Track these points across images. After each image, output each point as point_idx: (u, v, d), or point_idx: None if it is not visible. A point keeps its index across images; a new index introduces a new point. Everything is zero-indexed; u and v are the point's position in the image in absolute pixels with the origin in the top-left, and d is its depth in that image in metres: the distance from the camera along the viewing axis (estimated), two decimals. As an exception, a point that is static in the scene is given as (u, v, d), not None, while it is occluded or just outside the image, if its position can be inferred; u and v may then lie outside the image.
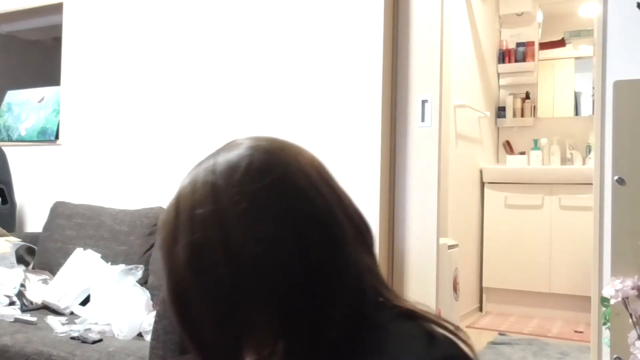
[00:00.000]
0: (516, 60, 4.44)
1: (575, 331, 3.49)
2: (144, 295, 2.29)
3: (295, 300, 0.62)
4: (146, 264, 2.59)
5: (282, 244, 0.62)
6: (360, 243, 0.67)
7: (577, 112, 4.44)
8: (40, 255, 2.92)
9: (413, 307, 0.65)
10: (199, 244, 0.63)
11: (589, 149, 4.14)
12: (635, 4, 1.99)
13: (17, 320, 2.32)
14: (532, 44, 4.41)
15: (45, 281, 2.65)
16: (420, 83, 2.56)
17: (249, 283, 0.61)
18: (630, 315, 1.62)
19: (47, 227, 2.99)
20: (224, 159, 0.67)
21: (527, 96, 4.44)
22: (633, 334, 1.62)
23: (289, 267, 0.62)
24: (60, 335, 2.13)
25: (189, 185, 0.67)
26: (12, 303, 2.49)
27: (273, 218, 0.62)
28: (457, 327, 0.64)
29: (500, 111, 4.49)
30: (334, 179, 0.70)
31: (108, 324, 2.21)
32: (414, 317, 0.64)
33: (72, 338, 2.07)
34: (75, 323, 2.28)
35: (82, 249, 2.70)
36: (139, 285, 2.38)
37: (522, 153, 4.37)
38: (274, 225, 0.62)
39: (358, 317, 0.63)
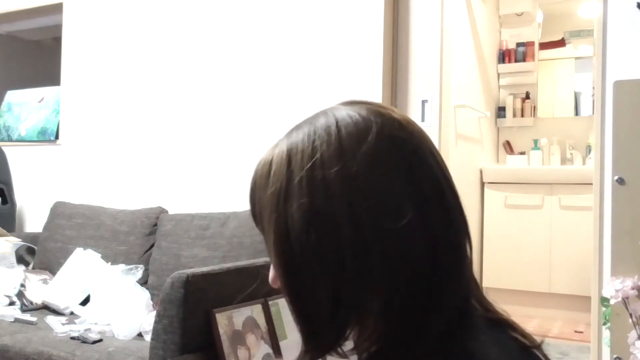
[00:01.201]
0: (516, 60, 4.44)
1: (575, 331, 3.49)
2: (144, 295, 2.29)
3: (411, 285, 0.58)
4: (146, 264, 2.59)
5: (409, 223, 0.57)
6: (468, 237, 0.64)
7: (577, 112, 4.44)
8: (40, 255, 2.92)
9: (502, 315, 0.63)
10: (320, 208, 0.58)
11: (589, 149, 4.14)
12: (635, 4, 2.00)
13: (17, 320, 2.32)
14: (532, 44, 4.41)
15: (45, 281, 2.65)
16: (420, 83, 2.56)
17: (371, 254, 0.57)
18: (630, 315, 1.62)
19: (47, 227, 2.99)
20: (349, 120, 0.61)
21: (527, 96, 4.44)
22: (633, 334, 1.62)
23: (413, 249, 0.58)
24: (60, 335, 2.13)
25: (304, 142, 0.60)
26: (12, 303, 2.49)
27: (403, 194, 0.58)
28: (540, 343, 0.62)
29: (500, 111, 4.49)
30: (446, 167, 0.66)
31: (108, 324, 2.21)
32: (505, 326, 0.62)
33: (72, 338, 2.07)
34: (75, 323, 2.28)
35: (82, 249, 2.70)
36: (139, 285, 2.38)
37: (522, 153, 4.37)
38: (403, 202, 0.58)
39: (460, 314, 0.60)
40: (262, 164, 0.64)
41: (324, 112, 0.64)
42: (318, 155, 0.59)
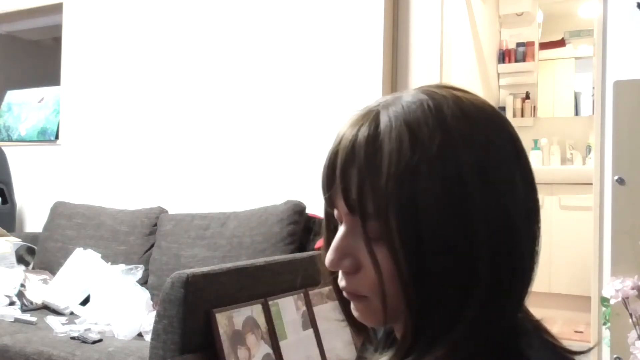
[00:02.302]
0: (516, 60, 4.44)
1: (575, 331, 3.48)
2: (144, 295, 2.29)
3: (525, 281, 0.58)
4: (146, 264, 2.59)
5: (522, 216, 0.57)
6: None
7: (577, 112, 4.44)
8: (40, 255, 2.92)
9: (536, 318, 0.63)
10: (457, 187, 0.54)
11: (589, 149, 4.14)
12: (635, 4, 2.00)
13: (17, 320, 2.32)
14: (532, 44, 4.41)
15: (45, 281, 2.65)
16: (420, 83, 2.55)
17: (506, 249, 0.55)
18: (630, 315, 1.62)
19: (47, 227, 2.99)
20: (471, 105, 0.59)
21: (527, 96, 4.44)
22: (633, 334, 1.62)
23: (521, 240, 0.57)
24: (60, 335, 2.13)
25: (424, 114, 0.57)
26: (12, 303, 2.49)
27: (518, 186, 0.57)
28: (581, 352, 0.62)
29: (501, 111, 4.48)
30: None
31: (108, 324, 2.21)
32: (541, 330, 0.61)
33: (72, 338, 2.07)
34: (75, 323, 2.28)
35: (82, 249, 2.70)
36: (139, 285, 2.38)
37: (522, 153, 4.37)
38: (520, 194, 0.57)
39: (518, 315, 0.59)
40: (364, 138, 0.58)
41: (413, 92, 0.61)
42: (453, 135, 0.56)
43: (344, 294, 0.63)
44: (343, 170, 0.58)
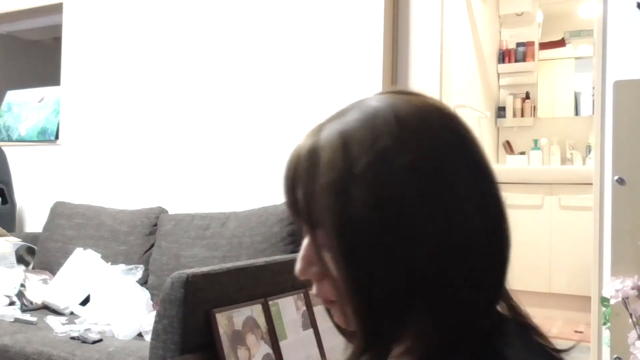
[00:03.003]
0: (516, 60, 4.44)
1: (575, 331, 3.48)
2: (144, 295, 2.29)
3: (480, 282, 0.57)
4: (146, 264, 2.59)
5: (471, 212, 0.56)
6: None
7: (577, 112, 4.44)
8: (40, 255, 2.92)
9: (526, 315, 0.62)
10: (388, 196, 0.55)
11: (589, 149, 4.14)
12: (635, 4, 1.99)
13: (17, 320, 2.32)
14: (532, 44, 4.41)
15: (45, 281, 2.65)
16: (420, 83, 2.56)
17: (443, 245, 0.55)
18: (630, 315, 1.62)
19: (47, 227, 2.99)
20: (404, 105, 0.59)
21: (527, 96, 4.44)
22: (633, 334, 1.62)
23: (475, 234, 0.56)
24: (60, 335, 2.13)
25: (363, 129, 0.58)
26: (12, 303, 2.49)
27: (465, 181, 0.57)
28: (566, 349, 0.62)
29: (500, 111, 4.49)
30: None
31: (108, 324, 2.21)
32: (529, 329, 0.61)
33: (72, 338, 2.07)
34: (75, 323, 2.28)
35: (82, 249, 2.70)
36: (139, 285, 2.38)
37: (522, 153, 4.37)
38: (467, 189, 0.57)
39: (497, 315, 0.59)
40: (306, 151, 0.60)
41: (364, 100, 0.62)
42: (382, 143, 0.56)
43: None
44: (289, 183, 0.61)
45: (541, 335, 0.61)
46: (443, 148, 0.57)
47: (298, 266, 0.62)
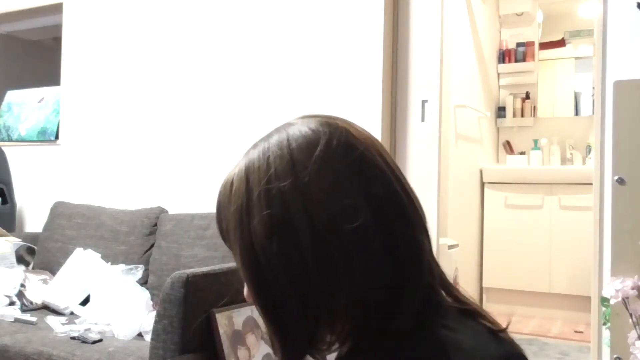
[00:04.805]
0: (516, 60, 4.44)
1: (575, 331, 3.49)
2: (144, 295, 2.29)
3: (373, 282, 0.61)
4: (146, 264, 2.59)
5: (364, 223, 0.61)
6: (426, 232, 0.67)
7: (577, 112, 4.44)
8: (40, 255, 2.92)
9: (470, 301, 0.66)
10: (279, 218, 0.61)
11: (589, 149, 4.14)
12: (635, 4, 2.00)
13: (17, 320, 2.32)
14: (532, 44, 4.41)
15: (45, 281, 2.65)
16: (420, 83, 2.56)
17: (332, 257, 0.60)
18: (630, 315, 1.62)
19: (47, 227, 2.99)
20: (299, 133, 0.65)
21: (527, 96, 4.44)
22: (633, 334, 1.62)
23: (371, 247, 0.61)
24: (60, 335, 2.13)
25: (259, 159, 0.65)
26: (12, 303, 2.49)
27: (356, 196, 0.62)
28: (506, 329, 0.64)
29: (500, 111, 4.49)
30: (397, 166, 0.69)
31: (108, 324, 2.21)
32: (474, 314, 0.64)
33: (72, 338, 2.07)
34: (75, 323, 2.28)
35: (82, 249, 2.70)
36: (139, 285, 2.38)
37: (522, 153, 4.37)
38: (356, 204, 0.61)
39: (428, 304, 0.62)
40: (225, 183, 0.68)
41: (278, 129, 0.68)
42: (272, 170, 0.63)
43: None
44: (216, 209, 0.69)
45: (486, 317, 0.64)
46: (328, 169, 0.62)
47: (245, 290, 0.68)
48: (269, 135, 0.67)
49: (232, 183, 0.66)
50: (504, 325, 0.64)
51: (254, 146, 0.67)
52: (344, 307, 0.61)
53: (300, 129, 0.65)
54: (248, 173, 0.64)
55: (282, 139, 0.65)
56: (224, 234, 0.68)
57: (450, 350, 0.58)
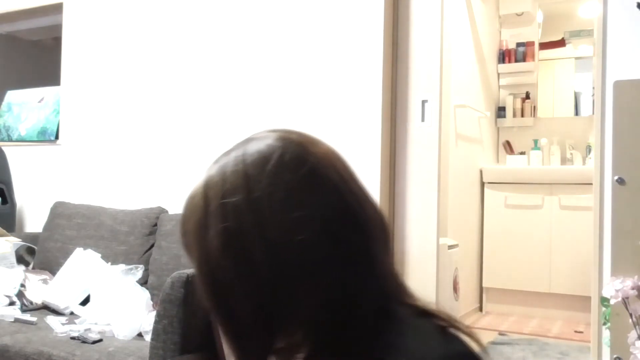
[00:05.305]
0: (516, 60, 4.44)
1: (575, 331, 3.49)
2: (144, 295, 2.29)
3: (326, 292, 0.62)
4: (146, 264, 2.59)
5: (316, 236, 0.63)
6: (382, 242, 0.68)
7: (577, 112, 4.44)
8: (40, 255, 2.92)
9: (427, 306, 0.67)
10: (233, 231, 0.63)
11: (589, 149, 4.14)
12: (635, 4, 2.00)
13: (17, 320, 2.32)
14: (532, 44, 4.41)
15: (45, 281, 2.65)
16: (420, 83, 2.56)
17: (285, 269, 0.62)
18: (630, 315, 1.62)
19: (47, 227, 2.99)
20: (254, 149, 0.68)
21: (527, 96, 4.44)
22: (633, 334, 1.62)
23: (322, 259, 0.63)
24: (60, 335, 2.13)
25: (217, 174, 0.68)
26: (12, 303, 2.49)
27: (307, 209, 0.63)
28: (468, 327, 0.66)
29: (500, 111, 4.49)
30: (357, 176, 0.71)
31: (108, 324, 2.21)
32: (428, 315, 0.66)
33: (72, 338, 2.07)
34: (75, 323, 2.28)
35: (82, 249, 2.70)
36: (139, 285, 2.38)
37: (522, 153, 4.37)
38: (308, 217, 0.63)
39: (381, 313, 0.64)
40: (188, 197, 0.70)
41: (237, 145, 0.71)
42: (228, 184, 0.65)
43: None
44: (180, 222, 0.71)
45: (441, 317, 0.65)
46: (279, 183, 0.64)
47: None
48: (229, 151, 0.70)
49: (194, 197, 0.69)
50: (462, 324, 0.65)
51: (216, 161, 0.70)
52: (298, 318, 0.63)
53: (257, 144, 0.68)
54: (207, 188, 0.67)
55: (238, 154, 0.68)
56: (186, 247, 0.70)
57: (393, 353, 0.60)
